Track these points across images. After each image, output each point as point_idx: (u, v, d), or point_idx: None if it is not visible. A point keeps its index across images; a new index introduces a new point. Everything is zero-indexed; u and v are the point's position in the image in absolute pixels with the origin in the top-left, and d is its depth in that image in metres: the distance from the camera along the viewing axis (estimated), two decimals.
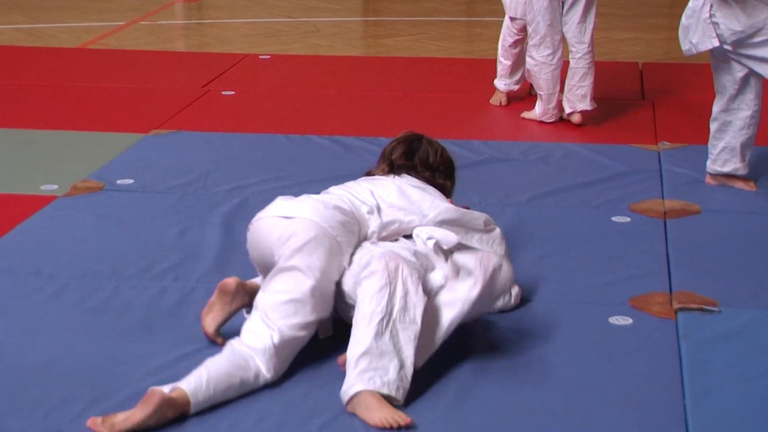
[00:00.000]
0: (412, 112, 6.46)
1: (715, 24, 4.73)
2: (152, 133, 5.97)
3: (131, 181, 5.21)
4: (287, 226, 3.60)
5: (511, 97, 6.60)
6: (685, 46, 4.90)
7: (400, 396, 3.27)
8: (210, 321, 3.62)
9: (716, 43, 4.76)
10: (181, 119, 6.29)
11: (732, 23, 4.71)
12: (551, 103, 6.15)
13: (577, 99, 6.10)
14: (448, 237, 3.64)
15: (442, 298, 3.46)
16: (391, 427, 3.15)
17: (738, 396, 3.36)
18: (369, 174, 4.07)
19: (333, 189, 3.91)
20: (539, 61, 6.07)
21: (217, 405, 3.26)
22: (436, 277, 3.54)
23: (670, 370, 3.51)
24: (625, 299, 3.97)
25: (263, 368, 3.36)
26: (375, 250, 3.59)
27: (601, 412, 3.29)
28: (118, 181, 5.20)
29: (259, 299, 3.50)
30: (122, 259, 4.32)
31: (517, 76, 6.53)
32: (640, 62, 7.65)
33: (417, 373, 3.35)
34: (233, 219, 4.75)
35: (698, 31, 4.80)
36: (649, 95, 6.78)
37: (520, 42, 6.41)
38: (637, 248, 4.47)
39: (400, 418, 3.17)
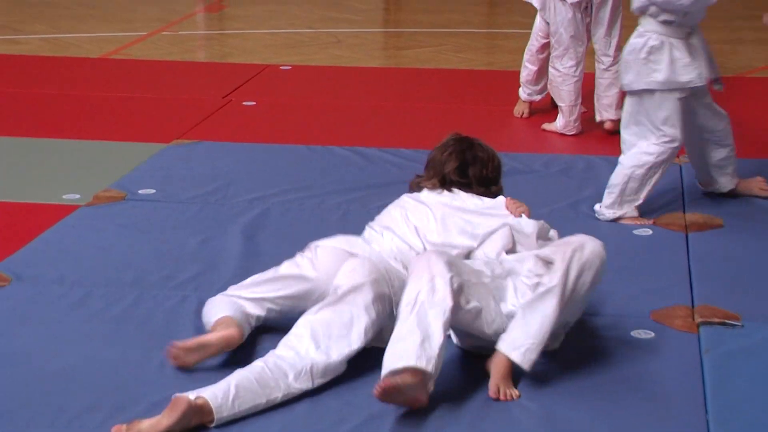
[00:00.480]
0: (433, 124, 6.46)
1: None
2: (174, 143, 5.99)
3: (153, 190, 5.23)
4: (351, 261, 3.67)
5: (534, 109, 6.60)
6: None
7: (423, 364, 3.27)
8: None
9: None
10: (202, 129, 6.31)
11: None
12: (573, 115, 6.16)
13: (604, 108, 6.16)
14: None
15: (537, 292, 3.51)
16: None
17: (762, 411, 3.34)
18: (417, 185, 4.07)
19: (377, 227, 3.92)
20: (562, 72, 6.09)
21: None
22: (523, 279, 3.59)
23: (692, 384, 3.50)
24: (646, 312, 3.96)
25: (294, 387, 3.36)
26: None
27: (623, 427, 3.28)
28: (140, 191, 5.22)
29: (311, 322, 3.51)
30: (144, 268, 4.34)
31: (541, 85, 6.52)
32: None
33: (441, 380, 3.37)
34: (254, 229, 4.76)
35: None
36: None
37: (548, 48, 6.40)
38: (659, 261, 4.46)
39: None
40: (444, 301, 3.37)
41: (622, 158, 4.92)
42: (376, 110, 6.79)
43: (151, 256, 4.46)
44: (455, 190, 3.98)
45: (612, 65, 6.05)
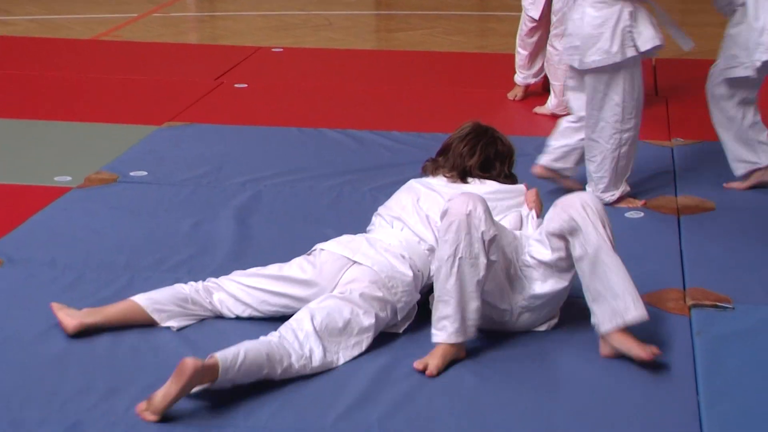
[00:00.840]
0: (425, 107, 6.46)
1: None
2: (165, 126, 5.98)
3: (145, 173, 5.22)
4: (353, 269, 3.69)
5: (529, 92, 6.60)
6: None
7: (471, 333, 3.50)
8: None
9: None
10: (194, 112, 6.29)
11: None
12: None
13: None
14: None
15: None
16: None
17: (753, 393, 3.35)
18: (433, 171, 4.05)
19: (386, 216, 3.92)
20: (560, 51, 6.07)
21: (233, 394, 3.29)
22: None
23: (684, 366, 3.51)
24: None
25: (293, 370, 3.38)
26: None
27: (615, 409, 3.29)
28: (132, 173, 5.21)
29: (315, 311, 3.52)
30: (136, 250, 4.34)
31: (536, 68, 6.51)
32: (654, 58, 7.64)
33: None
34: (246, 212, 4.75)
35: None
36: (663, 91, 6.78)
37: (536, 31, 6.39)
38: (651, 244, 4.47)
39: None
40: (480, 259, 3.47)
41: (595, 137, 4.79)
42: (368, 93, 6.78)
43: (143, 239, 4.46)
44: (471, 179, 3.99)
45: None
